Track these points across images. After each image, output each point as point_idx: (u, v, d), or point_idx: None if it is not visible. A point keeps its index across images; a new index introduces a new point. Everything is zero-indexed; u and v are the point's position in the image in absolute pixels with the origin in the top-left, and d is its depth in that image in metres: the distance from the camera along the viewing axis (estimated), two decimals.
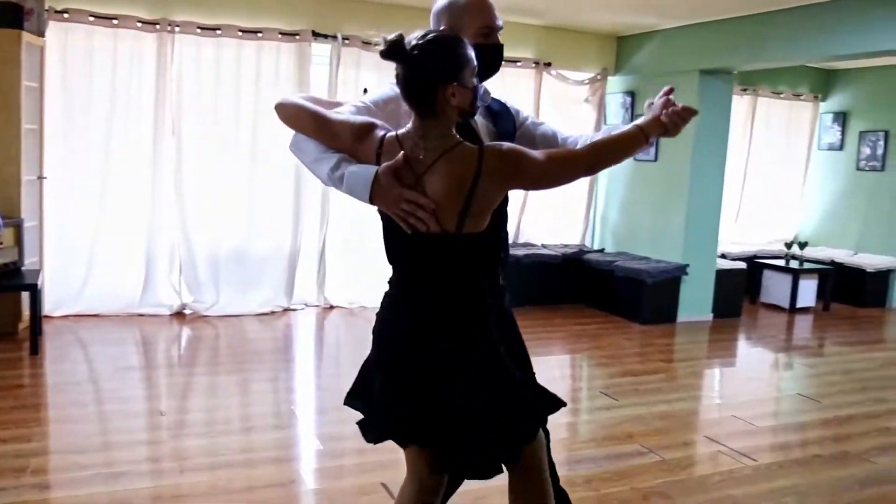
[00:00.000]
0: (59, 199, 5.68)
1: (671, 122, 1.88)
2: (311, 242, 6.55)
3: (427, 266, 1.85)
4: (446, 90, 1.75)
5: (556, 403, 1.97)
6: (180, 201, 6.03)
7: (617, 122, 7.50)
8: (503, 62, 2.12)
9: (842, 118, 8.54)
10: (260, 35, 6.04)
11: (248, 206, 6.23)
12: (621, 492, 3.24)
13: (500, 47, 2.06)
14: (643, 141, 1.89)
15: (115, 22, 5.65)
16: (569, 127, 2.53)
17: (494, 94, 2.08)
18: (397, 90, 1.83)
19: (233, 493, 3.08)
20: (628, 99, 7.43)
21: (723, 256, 7.57)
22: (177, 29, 5.82)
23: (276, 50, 6.13)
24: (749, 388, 5.06)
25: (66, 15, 5.51)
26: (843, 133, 8.53)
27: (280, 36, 6.10)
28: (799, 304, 7.46)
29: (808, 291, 7.53)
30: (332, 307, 6.61)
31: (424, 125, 1.79)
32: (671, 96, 1.91)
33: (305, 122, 1.89)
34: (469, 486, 2.24)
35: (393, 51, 1.73)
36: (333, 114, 1.90)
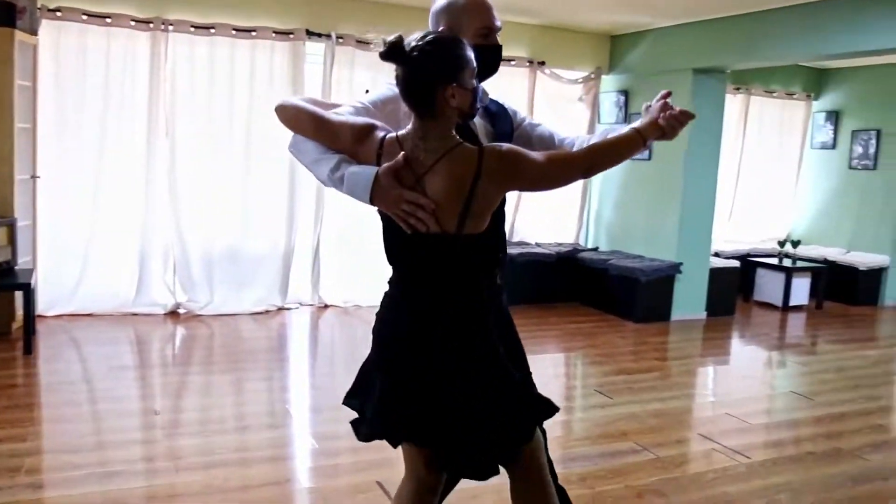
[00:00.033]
0: (52, 199, 5.66)
1: (668, 125, 1.89)
2: (306, 241, 6.54)
3: (427, 266, 1.86)
4: (446, 91, 1.75)
5: (549, 409, 1.96)
6: (174, 200, 6.02)
7: (611, 122, 7.52)
8: None
9: (834, 117, 8.58)
10: (254, 34, 6.03)
11: (242, 205, 6.22)
12: (616, 489, 3.25)
13: (499, 48, 2.07)
14: (640, 144, 1.90)
15: (108, 20, 5.63)
16: (563, 126, 2.54)
17: (489, 94, 2.09)
18: (397, 91, 1.83)
19: (228, 492, 3.08)
20: (622, 98, 7.45)
21: (716, 255, 7.60)
22: (170, 28, 5.80)
23: (270, 49, 6.12)
24: (742, 386, 5.08)
25: (58, 13, 5.49)
26: (836, 132, 8.57)
27: (274, 35, 6.09)
28: (792, 303, 7.50)
29: (800, 289, 7.57)
30: (326, 306, 6.61)
31: (424, 126, 1.80)
32: (668, 100, 1.92)
33: (305, 123, 1.89)
34: (464, 485, 2.25)
35: (392, 52, 1.74)
36: (333, 115, 1.90)
